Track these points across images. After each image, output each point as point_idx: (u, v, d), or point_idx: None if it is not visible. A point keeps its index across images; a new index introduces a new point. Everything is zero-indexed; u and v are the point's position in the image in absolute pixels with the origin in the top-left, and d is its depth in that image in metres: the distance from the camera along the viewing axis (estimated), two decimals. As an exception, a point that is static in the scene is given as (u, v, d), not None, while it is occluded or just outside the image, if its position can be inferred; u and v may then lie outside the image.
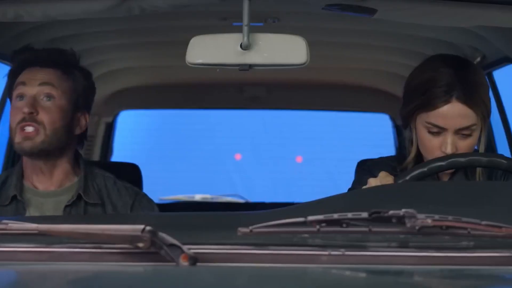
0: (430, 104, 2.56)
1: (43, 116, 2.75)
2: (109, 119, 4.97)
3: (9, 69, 2.93)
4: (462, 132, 2.55)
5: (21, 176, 2.83)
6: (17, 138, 2.74)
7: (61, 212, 2.77)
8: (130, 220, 2.36)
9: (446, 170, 2.44)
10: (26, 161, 2.83)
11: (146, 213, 2.82)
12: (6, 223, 1.75)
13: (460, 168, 2.53)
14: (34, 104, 2.74)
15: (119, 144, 5.22)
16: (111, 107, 4.87)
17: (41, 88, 2.77)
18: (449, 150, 2.52)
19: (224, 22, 3.22)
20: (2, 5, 2.28)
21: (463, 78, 2.57)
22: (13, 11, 2.30)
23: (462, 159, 2.39)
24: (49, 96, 2.77)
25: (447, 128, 2.54)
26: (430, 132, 2.57)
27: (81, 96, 2.86)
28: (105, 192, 2.85)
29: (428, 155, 2.58)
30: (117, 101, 4.86)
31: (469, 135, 2.55)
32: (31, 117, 2.73)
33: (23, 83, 2.78)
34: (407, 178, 2.33)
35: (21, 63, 2.85)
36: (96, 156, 4.90)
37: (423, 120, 2.58)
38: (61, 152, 2.81)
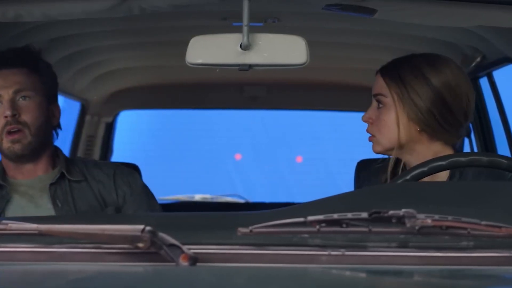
0: None
1: (24, 117, 2.77)
2: (109, 119, 4.98)
3: None
4: (376, 99, 2.63)
5: (3, 171, 2.85)
6: (6, 143, 2.76)
7: (47, 192, 2.81)
8: (130, 220, 2.36)
9: (447, 169, 2.44)
10: (6, 163, 2.85)
11: (146, 213, 2.82)
12: (6, 223, 1.75)
13: (461, 167, 2.52)
14: (14, 106, 2.76)
15: (119, 144, 5.22)
16: (111, 107, 4.87)
17: (16, 90, 2.78)
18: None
19: (224, 22, 3.22)
20: (2, 5, 2.28)
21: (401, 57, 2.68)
22: (13, 11, 2.30)
23: (463, 159, 2.39)
24: (25, 96, 2.79)
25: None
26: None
27: (50, 88, 2.89)
28: (86, 171, 2.89)
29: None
30: (117, 101, 4.86)
31: (383, 105, 2.61)
32: (14, 120, 2.75)
33: None
34: (408, 177, 2.33)
35: None
36: (96, 156, 4.91)
37: None
38: (43, 148, 2.84)
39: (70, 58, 3.88)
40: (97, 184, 2.86)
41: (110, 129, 5.03)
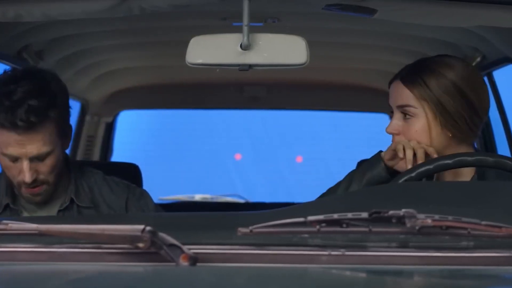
0: None
1: (43, 175, 2.67)
2: (109, 119, 4.98)
3: None
4: (401, 111, 2.58)
5: (10, 184, 2.77)
6: (25, 192, 2.70)
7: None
8: (130, 220, 2.36)
9: (453, 168, 2.44)
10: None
11: (146, 213, 2.82)
12: (6, 223, 1.75)
13: (467, 166, 2.52)
14: (32, 172, 2.64)
15: (119, 144, 5.22)
16: (111, 107, 4.87)
17: (34, 157, 2.63)
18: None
19: (224, 22, 3.22)
20: (2, 5, 2.28)
21: (412, 63, 2.62)
22: (13, 11, 2.29)
23: (470, 158, 2.39)
24: (44, 156, 2.65)
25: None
26: None
27: (65, 121, 2.74)
28: (96, 190, 2.84)
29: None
30: (117, 101, 4.87)
31: (411, 116, 2.56)
32: (34, 181, 2.65)
33: (14, 156, 2.62)
34: (413, 174, 2.33)
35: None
36: (96, 156, 4.91)
37: None
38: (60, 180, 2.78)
39: (70, 58, 3.87)
40: (108, 210, 2.79)
41: (110, 129, 5.03)
